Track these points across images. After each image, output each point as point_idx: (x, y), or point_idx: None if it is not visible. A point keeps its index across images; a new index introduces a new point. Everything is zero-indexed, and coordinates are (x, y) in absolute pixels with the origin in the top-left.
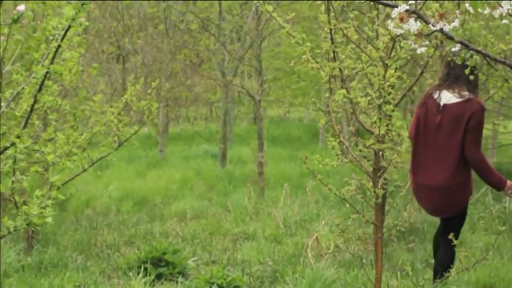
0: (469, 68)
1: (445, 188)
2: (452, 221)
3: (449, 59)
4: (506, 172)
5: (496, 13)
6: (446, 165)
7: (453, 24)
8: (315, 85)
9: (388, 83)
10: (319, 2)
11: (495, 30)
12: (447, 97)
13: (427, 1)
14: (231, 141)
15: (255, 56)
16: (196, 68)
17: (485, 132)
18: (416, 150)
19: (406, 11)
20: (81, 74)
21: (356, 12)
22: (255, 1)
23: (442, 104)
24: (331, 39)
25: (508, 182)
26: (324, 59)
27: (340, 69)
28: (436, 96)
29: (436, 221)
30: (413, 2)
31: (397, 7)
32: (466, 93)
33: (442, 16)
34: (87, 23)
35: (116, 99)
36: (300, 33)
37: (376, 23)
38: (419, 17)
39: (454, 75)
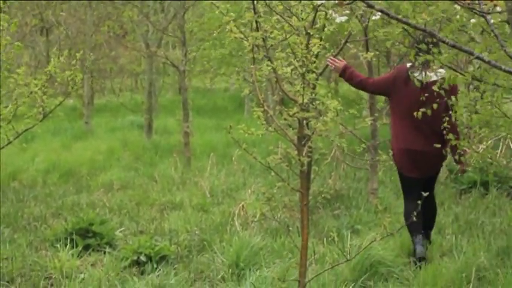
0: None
1: (436, 153)
2: (435, 177)
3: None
4: None
5: None
6: (435, 135)
7: None
8: (239, 55)
9: (311, 53)
10: None
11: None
12: (429, 75)
13: None
14: (157, 112)
15: (179, 26)
16: (120, 40)
17: None
18: (405, 123)
19: None
20: (5, 47)
21: None
22: None
23: (419, 79)
24: (254, 9)
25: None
26: (247, 29)
27: (263, 38)
28: (417, 74)
29: (362, 187)
30: None
31: None
32: (442, 70)
33: None
34: None
35: (40, 72)
36: (224, 4)
37: None
38: None
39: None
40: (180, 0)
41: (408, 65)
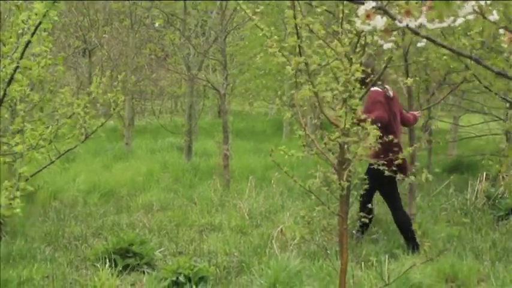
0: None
1: None
2: None
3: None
4: (467, 165)
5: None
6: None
7: (419, 20)
8: (279, 78)
9: (353, 77)
10: None
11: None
12: (390, 90)
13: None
14: (196, 134)
15: (220, 50)
16: (161, 62)
17: (445, 125)
18: (393, 132)
19: (373, 7)
20: (49, 68)
21: (323, 7)
22: None
23: (391, 95)
24: (297, 34)
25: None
26: (289, 54)
27: (306, 63)
28: (384, 89)
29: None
30: None
31: (363, 4)
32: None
33: (408, 12)
34: (56, 18)
35: (82, 93)
36: (269, 26)
37: (342, 18)
38: (386, 13)
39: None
40: (221, 24)
41: (377, 88)
